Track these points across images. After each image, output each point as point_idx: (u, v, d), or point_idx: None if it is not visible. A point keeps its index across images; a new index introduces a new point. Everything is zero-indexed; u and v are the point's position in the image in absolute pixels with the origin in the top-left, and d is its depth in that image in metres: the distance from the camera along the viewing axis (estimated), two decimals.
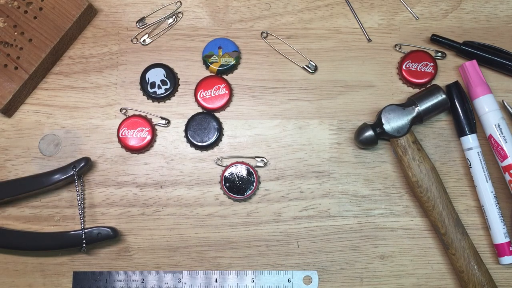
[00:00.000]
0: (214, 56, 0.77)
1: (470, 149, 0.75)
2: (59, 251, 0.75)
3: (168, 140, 0.78)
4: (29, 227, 0.76)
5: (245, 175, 0.75)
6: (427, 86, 0.76)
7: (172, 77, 0.77)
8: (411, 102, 0.74)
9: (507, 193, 0.76)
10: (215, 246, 0.76)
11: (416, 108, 0.74)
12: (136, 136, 0.76)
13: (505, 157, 0.73)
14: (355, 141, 0.75)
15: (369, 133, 0.74)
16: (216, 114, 0.78)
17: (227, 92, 0.77)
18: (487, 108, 0.75)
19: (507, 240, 0.74)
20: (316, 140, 0.77)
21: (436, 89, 0.74)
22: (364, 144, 0.75)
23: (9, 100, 0.74)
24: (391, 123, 0.73)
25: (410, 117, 0.73)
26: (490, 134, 0.74)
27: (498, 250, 0.74)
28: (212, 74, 0.78)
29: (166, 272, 0.75)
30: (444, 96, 0.73)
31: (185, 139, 0.77)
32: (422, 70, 0.77)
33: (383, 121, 0.73)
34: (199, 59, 0.79)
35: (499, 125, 0.74)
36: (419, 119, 0.74)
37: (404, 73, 0.77)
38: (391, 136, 0.74)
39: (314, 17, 0.79)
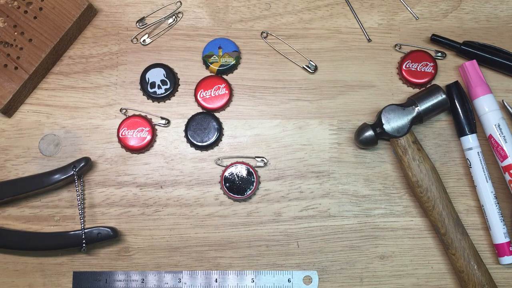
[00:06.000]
0: (214, 56, 0.78)
1: (470, 149, 0.75)
2: (59, 251, 0.75)
3: (168, 140, 0.78)
4: (29, 227, 0.76)
5: (245, 175, 0.75)
6: (427, 86, 0.76)
7: (172, 77, 0.77)
8: (411, 102, 0.74)
9: (507, 193, 0.76)
10: (215, 246, 0.76)
11: (416, 108, 0.74)
12: (136, 136, 0.76)
13: (505, 157, 0.73)
14: (355, 141, 0.75)
15: (369, 133, 0.74)
16: (216, 114, 0.78)
17: (227, 92, 0.77)
18: (487, 108, 0.75)
19: (507, 240, 0.74)
20: (316, 140, 0.77)
21: (436, 89, 0.74)
22: (364, 144, 0.75)
23: (9, 100, 0.74)
24: (391, 123, 0.73)
25: (410, 117, 0.73)
26: (490, 134, 0.74)
27: (498, 250, 0.74)
28: (212, 74, 0.78)
29: (166, 272, 0.75)
30: (444, 96, 0.73)
31: (185, 139, 0.77)
32: (422, 70, 0.77)
33: (383, 121, 0.73)
34: (199, 59, 0.79)
35: (499, 125, 0.74)
36: (419, 119, 0.74)
37: (404, 73, 0.77)
38: (391, 136, 0.74)
39: (314, 17, 0.79)
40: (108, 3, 0.80)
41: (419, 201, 0.74)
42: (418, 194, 0.73)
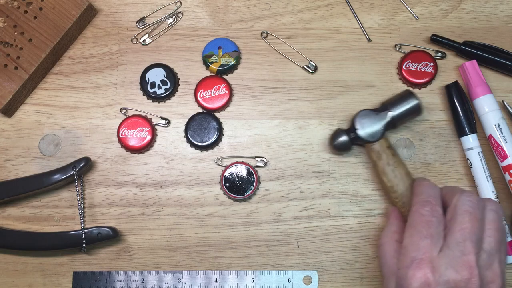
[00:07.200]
0: (214, 56, 0.78)
1: (470, 149, 0.75)
2: (59, 251, 0.75)
3: (168, 140, 0.78)
4: (29, 227, 0.76)
5: (245, 175, 0.75)
6: (400, 92, 0.75)
7: (172, 77, 0.77)
8: (385, 107, 0.74)
9: (507, 193, 0.76)
10: (215, 246, 0.76)
11: (390, 113, 0.73)
12: (136, 136, 0.76)
13: (505, 157, 0.73)
14: (329, 146, 0.75)
15: (343, 138, 0.73)
16: (216, 114, 0.78)
17: (227, 92, 0.77)
18: (487, 108, 0.75)
19: (509, 239, 0.73)
20: (316, 140, 0.77)
21: (408, 95, 0.73)
22: (339, 149, 0.74)
23: (9, 100, 0.74)
24: (365, 128, 0.73)
25: (383, 122, 0.73)
26: (490, 134, 0.74)
27: None
28: (212, 74, 0.78)
29: (166, 272, 0.75)
30: (416, 101, 0.73)
31: (185, 139, 0.77)
32: (422, 70, 0.77)
33: (357, 126, 0.73)
34: (199, 59, 0.79)
35: (499, 125, 0.74)
36: (392, 124, 0.74)
37: (404, 73, 0.77)
38: (365, 141, 0.73)
39: (314, 17, 0.79)
40: (108, 3, 0.80)
41: (394, 206, 0.74)
42: (394, 199, 0.73)
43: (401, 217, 0.71)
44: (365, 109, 0.74)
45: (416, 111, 0.73)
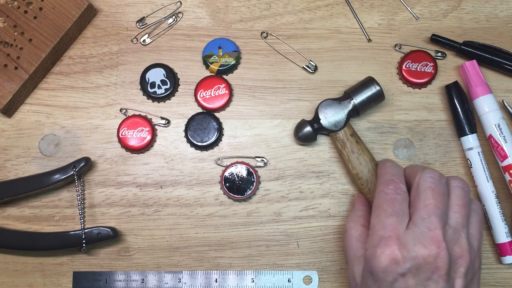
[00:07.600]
0: (214, 56, 0.78)
1: (470, 149, 0.75)
2: (59, 251, 0.75)
3: (168, 140, 0.78)
4: (29, 227, 0.76)
5: (245, 175, 0.75)
6: (362, 79, 0.75)
7: (172, 77, 0.77)
8: (347, 95, 0.74)
9: (507, 193, 0.76)
10: (215, 246, 0.76)
11: (352, 101, 0.73)
12: (136, 136, 0.76)
13: (505, 157, 0.73)
14: (295, 138, 0.76)
15: (307, 129, 0.74)
16: (216, 114, 0.78)
17: (227, 92, 0.77)
18: (487, 108, 0.75)
19: (509, 239, 0.73)
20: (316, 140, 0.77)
21: (370, 81, 0.74)
22: (303, 140, 0.75)
23: (9, 100, 0.74)
24: (328, 118, 0.73)
25: (346, 110, 0.73)
26: (490, 134, 0.74)
27: (500, 250, 0.74)
28: (212, 74, 0.78)
29: (166, 272, 0.75)
30: (378, 87, 0.73)
31: (185, 139, 0.77)
32: (422, 70, 0.77)
33: (320, 116, 0.74)
34: (199, 59, 0.79)
35: (499, 125, 0.74)
36: (355, 112, 0.74)
37: (404, 73, 0.77)
38: (329, 130, 0.74)
39: (314, 17, 0.79)
40: (108, 3, 0.80)
41: (361, 193, 0.74)
42: (360, 186, 0.73)
43: (367, 203, 0.72)
44: (327, 99, 0.74)
45: (378, 97, 0.74)
